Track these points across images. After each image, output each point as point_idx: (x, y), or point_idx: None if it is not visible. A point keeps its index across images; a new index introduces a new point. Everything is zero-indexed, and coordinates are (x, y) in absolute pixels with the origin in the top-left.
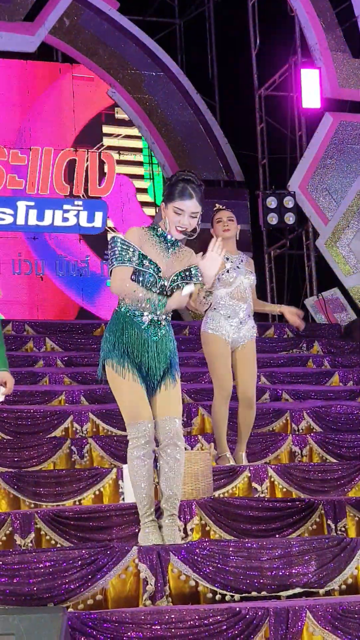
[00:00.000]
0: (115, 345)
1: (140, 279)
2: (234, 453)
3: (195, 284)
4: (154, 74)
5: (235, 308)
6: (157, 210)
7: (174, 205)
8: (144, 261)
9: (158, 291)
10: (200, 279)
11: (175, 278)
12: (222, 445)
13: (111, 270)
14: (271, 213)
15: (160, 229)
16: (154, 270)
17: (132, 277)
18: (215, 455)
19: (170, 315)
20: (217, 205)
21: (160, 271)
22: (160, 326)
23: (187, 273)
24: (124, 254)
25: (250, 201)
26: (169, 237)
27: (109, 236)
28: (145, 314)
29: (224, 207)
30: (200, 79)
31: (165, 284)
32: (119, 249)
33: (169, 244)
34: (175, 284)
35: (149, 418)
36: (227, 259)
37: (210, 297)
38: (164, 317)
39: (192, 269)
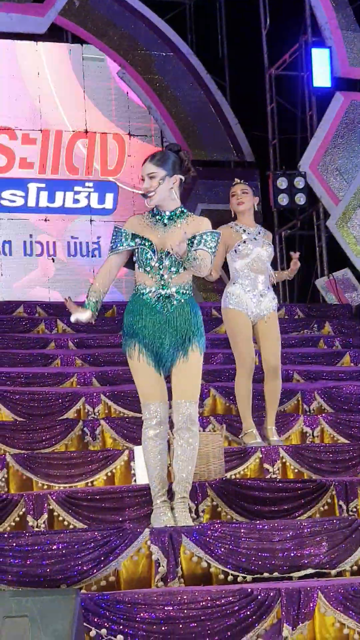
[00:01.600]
0: (128, 326)
1: (140, 256)
2: (262, 429)
3: (202, 249)
4: (164, 54)
5: (254, 280)
6: None
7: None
8: (136, 239)
9: (157, 265)
10: (207, 245)
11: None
12: (248, 421)
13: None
14: (282, 193)
15: (155, 207)
16: (144, 244)
17: (134, 256)
18: (241, 433)
19: (186, 289)
20: (236, 180)
21: (151, 244)
22: (172, 301)
23: (191, 240)
24: (113, 241)
25: (260, 182)
26: (164, 213)
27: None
28: (153, 289)
29: (241, 181)
30: (210, 59)
31: (163, 255)
32: (112, 237)
33: (166, 219)
34: (171, 255)
35: (159, 399)
36: (244, 230)
37: (195, 262)
38: (174, 290)
39: (196, 236)
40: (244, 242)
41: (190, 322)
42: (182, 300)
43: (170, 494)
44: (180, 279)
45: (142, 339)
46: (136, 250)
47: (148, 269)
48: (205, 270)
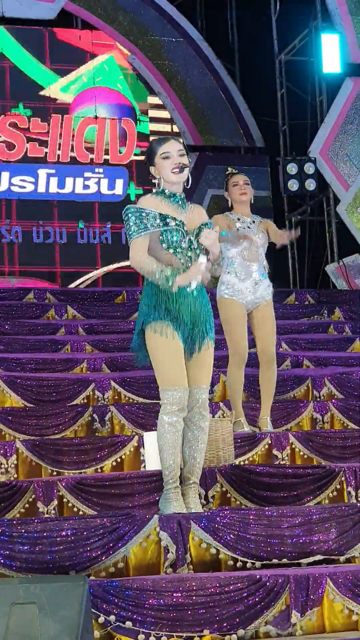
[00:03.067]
0: (155, 307)
1: (169, 237)
2: (258, 418)
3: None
4: (173, 40)
5: (248, 269)
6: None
7: (160, 153)
8: (167, 219)
9: (187, 246)
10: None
11: (199, 231)
12: (238, 410)
13: (130, 244)
14: (292, 179)
15: (166, 190)
16: (179, 225)
17: (161, 237)
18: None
19: None
20: (229, 169)
21: (185, 225)
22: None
23: (205, 226)
24: (138, 222)
25: (270, 167)
26: (177, 195)
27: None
28: (181, 270)
29: (238, 171)
30: (220, 45)
31: (192, 238)
32: (134, 218)
33: (180, 202)
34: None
35: (185, 386)
36: (238, 219)
37: (218, 266)
38: None
39: (207, 224)
40: (237, 230)
41: (209, 308)
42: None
43: (180, 480)
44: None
45: (174, 320)
46: (163, 231)
47: (179, 250)
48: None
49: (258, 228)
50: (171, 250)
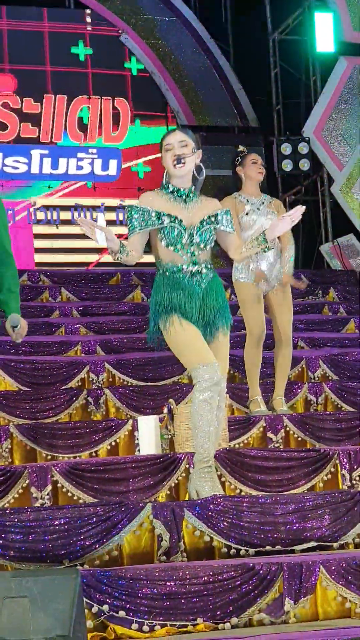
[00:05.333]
0: (163, 304)
1: (167, 234)
2: (272, 398)
3: (227, 231)
4: (166, 19)
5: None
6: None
7: (164, 145)
8: (162, 217)
9: (187, 242)
10: (228, 225)
11: (201, 225)
12: (254, 389)
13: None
14: (286, 159)
15: (170, 184)
16: (174, 222)
17: (160, 235)
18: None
19: (211, 264)
20: (240, 146)
21: (181, 222)
22: (202, 275)
23: (214, 219)
24: (135, 221)
25: (264, 147)
26: (181, 189)
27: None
28: (185, 267)
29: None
30: (213, 24)
31: (193, 232)
32: (133, 217)
33: (184, 196)
34: (203, 229)
35: (213, 360)
36: (248, 201)
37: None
38: (203, 266)
39: (218, 215)
40: (247, 213)
41: (223, 297)
42: (211, 276)
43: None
44: (206, 255)
45: (181, 312)
46: (161, 228)
47: (179, 246)
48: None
49: (268, 208)
50: (171, 248)
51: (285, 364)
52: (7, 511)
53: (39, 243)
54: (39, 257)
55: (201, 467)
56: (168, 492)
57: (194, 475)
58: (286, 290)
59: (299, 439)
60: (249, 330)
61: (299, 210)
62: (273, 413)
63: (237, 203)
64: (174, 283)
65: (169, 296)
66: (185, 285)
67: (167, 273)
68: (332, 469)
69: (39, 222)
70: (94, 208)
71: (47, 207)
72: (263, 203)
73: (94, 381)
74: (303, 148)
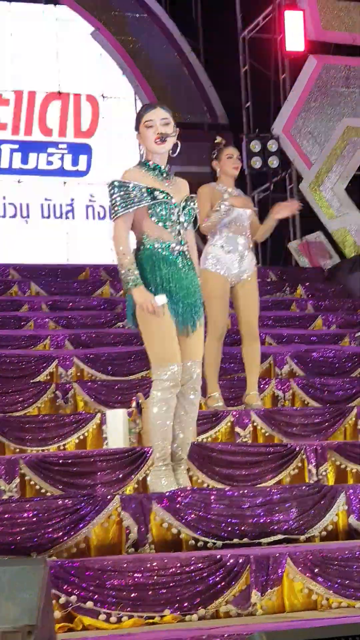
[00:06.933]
0: (148, 282)
1: (158, 210)
2: (245, 394)
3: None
4: (137, 15)
5: (234, 241)
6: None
7: (144, 121)
8: (154, 193)
9: (176, 219)
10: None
11: (185, 204)
12: (212, 384)
13: (114, 220)
14: (255, 157)
15: (150, 162)
16: (166, 198)
17: (150, 211)
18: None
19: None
20: (219, 138)
21: (172, 198)
22: (187, 257)
23: (192, 201)
24: (125, 197)
25: (234, 144)
26: (161, 167)
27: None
28: (173, 244)
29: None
30: (184, 21)
31: (180, 211)
32: (119, 194)
33: (164, 174)
34: (188, 207)
35: (179, 362)
36: (226, 190)
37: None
38: (186, 247)
39: (193, 197)
40: (225, 201)
41: (199, 283)
42: (190, 257)
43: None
44: (188, 235)
45: (167, 294)
46: (152, 205)
47: (169, 223)
48: None
49: (245, 201)
50: (161, 224)
51: (254, 359)
52: None
53: (8, 237)
54: (7, 252)
55: (158, 465)
56: (136, 486)
57: (151, 472)
58: (253, 283)
59: (267, 434)
60: (213, 323)
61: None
62: (247, 408)
63: (215, 192)
64: (161, 258)
65: (159, 275)
66: (172, 264)
67: (154, 250)
68: (299, 464)
69: (8, 217)
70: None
71: (15, 202)
72: (240, 195)
73: (63, 375)
74: (272, 146)
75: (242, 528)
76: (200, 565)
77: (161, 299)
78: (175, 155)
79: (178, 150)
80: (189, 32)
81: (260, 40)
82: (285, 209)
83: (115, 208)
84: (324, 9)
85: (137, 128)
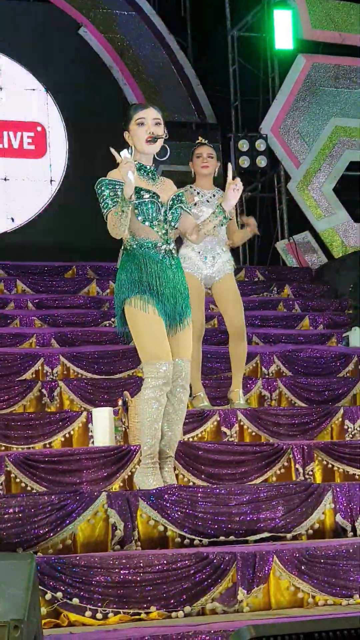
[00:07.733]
0: (135, 282)
1: (144, 210)
2: (229, 391)
3: (188, 212)
4: (125, 13)
5: (206, 243)
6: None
7: (135, 119)
8: (141, 192)
9: (163, 218)
10: (188, 206)
11: (172, 203)
12: (196, 385)
13: (106, 216)
14: (243, 156)
15: (136, 162)
16: (154, 197)
17: (136, 211)
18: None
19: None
20: (200, 138)
21: (159, 197)
22: (173, 256)
23: (180, 199)
24: (112, 195)
25: (222, 144)
26: (147, 167)
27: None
28: (159, 244)
29: (207, 142)
30: (172, 19)
31: (167, 210)
32: (108, 191)
33: (150, 174)
34: (175, 207)
35: (170, 359)
36: (198, 192)
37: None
38: (172, 246)
39: (180, 195)
40: (195, 204)
41: (186, 281)
42: (177, 256)
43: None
44: (174, 235)
45: (155, 294)
46: (139, 204)
47: (156, 222)
48: None
49: (218, 201)
50: (147, 224)
51: (240, 358)
52: None
53: None
54: None
55: (145, 463)
56: (121, 484)
57: (138, 469)
58: (228, 282)
59: (253, 433)
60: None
61: (237, 179)
62: (231, 407)
63: (188, 195)
64: (148, 257)
65: (145, 274)
66: (160, 263)
67: (141, 249)
68: (286, 464)
69: None
70: None
71: None
72: (214, 196)
73: (49, 373)
74: (260, 145)
75: (229, 526)
76: (186, 562)
77: (124, 153)
78: (162, 159)
79: (168, 155)
80: (177, 31)
81: (249, 39)
82: (254, 228)
83: (107, 201)
84: (313, 8)
85: (126, 127)
